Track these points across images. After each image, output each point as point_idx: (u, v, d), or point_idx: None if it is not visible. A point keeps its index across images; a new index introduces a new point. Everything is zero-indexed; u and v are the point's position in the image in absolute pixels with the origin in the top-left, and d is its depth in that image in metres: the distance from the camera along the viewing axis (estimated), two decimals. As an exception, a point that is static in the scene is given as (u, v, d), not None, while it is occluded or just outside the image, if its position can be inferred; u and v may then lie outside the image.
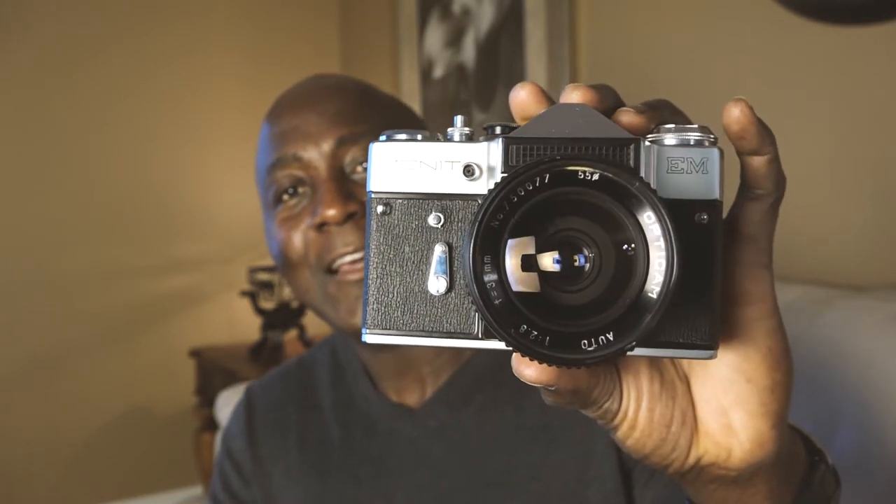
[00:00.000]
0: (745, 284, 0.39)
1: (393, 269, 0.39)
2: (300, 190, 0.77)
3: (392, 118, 0.81)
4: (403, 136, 0.40)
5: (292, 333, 2.61)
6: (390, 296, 0.39)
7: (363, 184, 0.76)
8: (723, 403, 0.40)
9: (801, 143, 1.48)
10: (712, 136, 0.36)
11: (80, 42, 2.59)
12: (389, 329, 0.39)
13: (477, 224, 0.33)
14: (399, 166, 0.39)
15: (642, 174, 0.35)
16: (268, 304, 2.58)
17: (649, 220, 0.32)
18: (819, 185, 1.46)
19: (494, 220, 0.33)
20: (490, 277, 0.33)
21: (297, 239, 0.76)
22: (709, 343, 0.36)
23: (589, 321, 0.33)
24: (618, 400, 0.40)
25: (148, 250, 2.70)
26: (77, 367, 2.60)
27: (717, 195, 0.35)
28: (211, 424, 2.45)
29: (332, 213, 0.72)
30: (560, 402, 0.39)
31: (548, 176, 0.32)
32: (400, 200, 0.39)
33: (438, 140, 0.39)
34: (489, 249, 0.33)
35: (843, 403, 1.10)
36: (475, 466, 0.77)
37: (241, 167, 2.88)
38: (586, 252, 0.34)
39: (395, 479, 0.79)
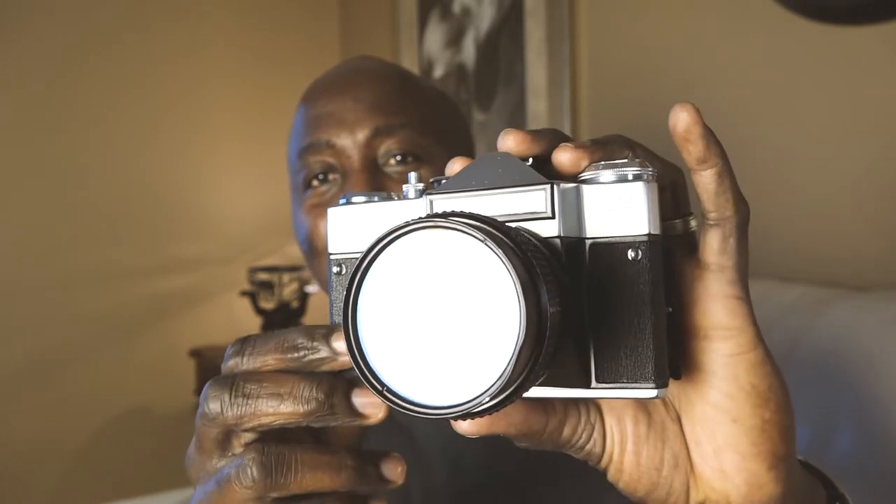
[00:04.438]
0: (716, 318, 0.37)
1: None
2: (331, 177, 0.76)
3: (430, 111, 0.79)
4: (362, 199, 0.42)
5: (292, 333, 2.60)
6: None
7: (395, 177, 0.75)
8: (715, 446, 0.38)
9: (801, 143, 1.48)
10: (650, 170, 0.35)
11: (79, 42, 2.59)
12: None
13: (353, 288, 0.33)
14: (355, 228, 0.41)
15: (558, 217, 0.35)
16: (268, 304, 2.58)
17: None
18: (819, 185, 1.46)
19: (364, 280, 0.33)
20: (371, 335, 0.33)
21: (324, 227, 0.75)
22: (652, 382, 0.35)
23: None
24: (600, 443, 0.39)
25: (148, 250, 2.70)
26: (77, 368, 2.60)
27: (646, 230, 0.35)
28: (211, 424, 2.45)
29: None
30: (529, 446, 0.38)
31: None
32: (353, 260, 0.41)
33: (394, 199, 0.41)
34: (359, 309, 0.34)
35: (843, 403, 1.10)
36: (494, 468, 0.76)
37: (242, 167, 2.88)
38: None
39: (411, 475, 0.78)
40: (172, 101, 2.74)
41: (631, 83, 1.86)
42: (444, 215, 0.32)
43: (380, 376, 0.33)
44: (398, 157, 0.75)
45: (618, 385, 0.35)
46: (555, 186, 0.35)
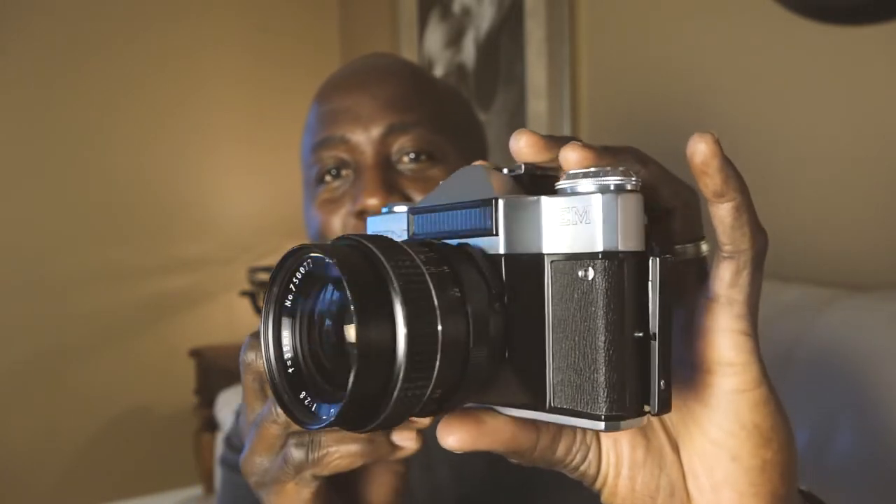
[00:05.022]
0: (720, 352, 0.35)
1: None
2: (343, 173, 0.76)
3: (445, 109, 0.79)
4: (403, 209, 0.42)
5: (292, 333, 2.60)
6: None
7: (408, 175, 0.75)
8: (712, 481, 0.37)
9: (801, 143, 1.48)
10: (633, 180, 0.32)
11: (80, 43, 2.59)
12: None
13: (272, 303, 0.36)
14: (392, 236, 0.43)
15: (501, 234, 0.34)
16: (268, 304, 2.58)
17: None
18: (819, 185, 1.46)
19: (286, 299, 0.36)
20: (286, 348, 0.36)
21: (336, 223, 0.75)
22: (602, 415, 0.32)
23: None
24: (595, 465, 0.39)
25: (148, 250, 2.70)
26: (77, 368, 2.60)
27: (600, 247, 0.32)
28: (211, 424, 2.45)
29: (373, 202, 0.70)
30: (521, 462, 0.38)
31: (309, 261, 0.34)
32: None
33: None
34: (286, 325, 0.36)
35: (843, 403, 1.10)
36: (496, 473, 0.76)
37: (242, 167, 2.88)
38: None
39: (414, 476, 0.78)
40: (172, 101, 2.74)
41: (631, 83, 1.86)
42: (343, 239, 0.34)
43: (283, 385, 0.36)
44: (412, 155, 0.75)
45: (570, 412, 0.33)
46: (499, 202, 0.34)
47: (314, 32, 2.99)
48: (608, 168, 0.32)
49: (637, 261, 0.32)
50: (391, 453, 0.44)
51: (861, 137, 1.41)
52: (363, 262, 0.32)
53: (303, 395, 0.35)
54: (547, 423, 0.37)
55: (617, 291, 0.32)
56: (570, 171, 0.33)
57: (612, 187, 0.32)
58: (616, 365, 0.32)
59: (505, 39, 2.16)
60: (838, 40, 1.41)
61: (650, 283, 0.32)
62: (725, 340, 0.35)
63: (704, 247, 0.38)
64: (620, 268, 0.32)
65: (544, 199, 0.33)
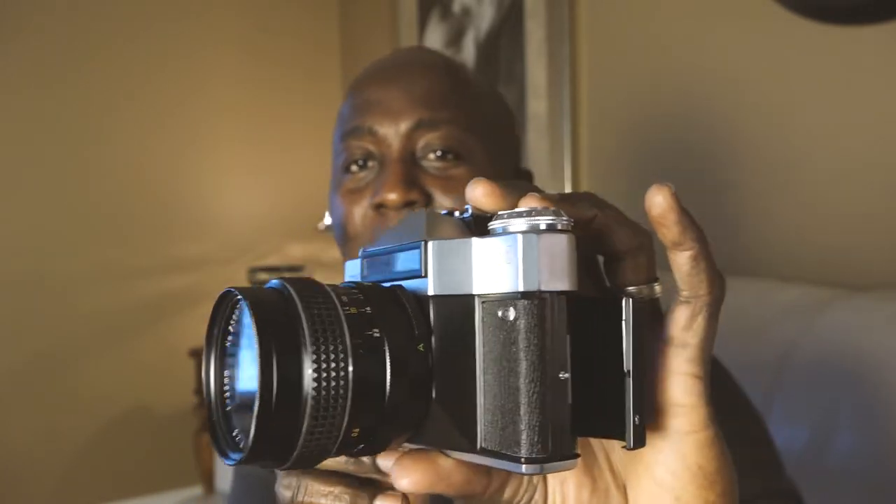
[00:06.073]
0: (670, 394, 0.36)
1: None
2: (369, 164, 0.75)
3: (479, 109, 0.78)
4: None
5: (292, 333, 2.60)
6: None
7: (431, 171, 0.74)
8: None
9: (801, 143, 1.48)
10: (564, 220, 0.32)
11: (80, 43, 2.59)
12: None
13: (214, 344, 0.38)
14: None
15: (430, 276, 0.35)
16: (268, 304, 2.58)
17: None
18: (819, 185, 1.46)
19: (227, 340, 0.37)
20: (227, 388, 0.37)
21: (357, 214, 0.75)
22: (520, 455, 0.32)
23: None
24: None
25: (148, 250, 2.70)
26: (77, 367, 2.60)
27: (520, 287, 0.31)
28: (211, 424, 2.45)
29: (392, 196, 0.70)
30: None
31: (241, 302, 0.34)
32: None
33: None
34: (227, 365, 0.38)
35: (842, 404, 1.10)
36: None
37: (241, 167, 2.88)
38: None
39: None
40: (173, 101, 2.74)
41: (631, 83, 1.86)
42: (275, 281, 0.35)
43: (219, 421, 0.37)
44: (438, 153, 0.74)
45: (496, 454, 0.33)
46: (428, 245, 0.35)
47: (314, 32, 2.99)
48: (539, 208, 0.32)
49: (562, 301, 0.32)
50: None
51: (861, 137, 1.41)
52: (280, 304, 0.33)
53: (235, 431, 0.36)
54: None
55: (538, 332, 0.31)
56: (501, 212, 0.33)
57: (542, 227, 0.32)
58: (537, 407, 0.32)
59: (505, 39, 2.16)
60: (838, 40, 1.41)
61: (623, 323, 0.33)
62: (675, 382, 0.36)
63: (658, 288, 0.38)
64: (542, 308, 0.31)
65: (475, 241, 0.34)
